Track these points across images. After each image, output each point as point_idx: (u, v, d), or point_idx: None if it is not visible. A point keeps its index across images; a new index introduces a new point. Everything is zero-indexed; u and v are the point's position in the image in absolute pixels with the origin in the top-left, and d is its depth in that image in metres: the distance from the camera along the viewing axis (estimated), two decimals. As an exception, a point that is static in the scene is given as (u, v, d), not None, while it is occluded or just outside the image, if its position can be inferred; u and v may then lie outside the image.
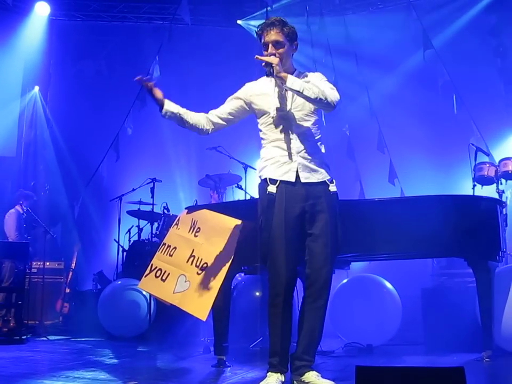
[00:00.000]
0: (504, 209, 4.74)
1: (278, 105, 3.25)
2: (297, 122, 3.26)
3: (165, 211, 6.82)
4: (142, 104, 8.05)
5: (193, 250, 3.97)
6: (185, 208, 4.32)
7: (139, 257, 6.60)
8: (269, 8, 8.23)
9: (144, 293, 5.60)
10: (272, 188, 3.20)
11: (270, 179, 3.22)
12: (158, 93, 3.30)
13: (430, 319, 5.01)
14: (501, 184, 5.64)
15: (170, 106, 3.33)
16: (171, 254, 4.13)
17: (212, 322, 4.07)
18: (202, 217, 4.07)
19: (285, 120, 3.25)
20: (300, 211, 3.20)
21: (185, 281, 3.88)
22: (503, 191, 5.57)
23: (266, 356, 4.27)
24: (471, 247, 4.08)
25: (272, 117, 3.24)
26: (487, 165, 5.70)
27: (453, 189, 6.07)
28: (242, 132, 7.97)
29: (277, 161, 3.24)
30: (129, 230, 7.29)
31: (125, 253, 7.04)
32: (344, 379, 3.48)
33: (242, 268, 4.32)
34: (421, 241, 4.01)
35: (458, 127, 7.14)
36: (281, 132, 3.25)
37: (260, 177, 3.35)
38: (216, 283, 3.79)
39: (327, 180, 3.31)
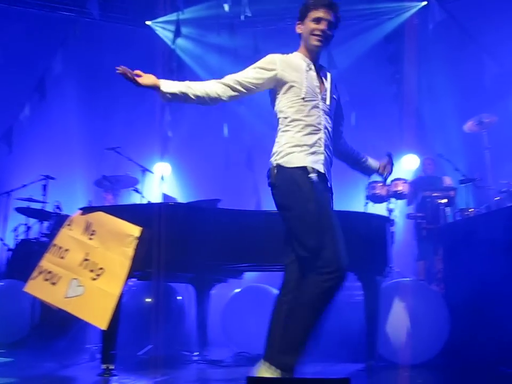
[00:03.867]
0: (392, 227, 4.98)
1: (312, 89, 3.04)
2: (326, 114, 3.08)
3: (57, 210, 6.54)
4: (41, 97, 7.71)
5: (87, 253, 3.85)
6: (79, 209, 4.17)
7: (26, 258, 6.26)
8: (180, 12, 8.20)
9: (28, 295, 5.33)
10: (313, 176, 2.95)
11: (308, 166, 2.96)
12: (147, 79, 2.97)
13: (318, 330, 5.13)
14: (391, 203, 5.93)
15: (168, 87, 2.95)
16: (62, 256, 3.97)
17: (99, 329, 3.92)
18: (98, 219, 3.94)
19: (316, 108, 3.04)
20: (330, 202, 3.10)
21: (78, 286, 3.75)
22: (392, 210, 5.86)
23: (155, 365, 4.22)
24: (361, 262, 4.22)
25: (305, 99, 3.01)
26: (380, 184, 5.97)
27: (346, 206, 6.26)
28: (143, 133, 7.91)
29: (307, 149, 2.99)
30: (16, 228, 6.91)
31: (9, 253, 6.67)
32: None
33: (135, 274, 4.22)
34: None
35: (355, 146, 7.40)
36: (313, 118, 3.02)
37: (280, 164, 3.01)
38: (115, 289, 3.70)
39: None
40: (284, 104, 3.07)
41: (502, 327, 3.98)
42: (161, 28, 8.86)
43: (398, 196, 5.97)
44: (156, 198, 6.46)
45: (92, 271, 3.81)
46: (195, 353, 4.92)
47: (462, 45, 7.44)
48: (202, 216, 4.06)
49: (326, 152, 3.07)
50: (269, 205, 7.19)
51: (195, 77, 8.56)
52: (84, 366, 4.35)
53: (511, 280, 3.90)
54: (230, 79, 3.05)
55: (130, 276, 3.89)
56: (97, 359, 4.29)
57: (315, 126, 3.03)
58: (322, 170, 3.01)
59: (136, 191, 6.05)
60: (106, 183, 6.67)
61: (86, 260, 3.86)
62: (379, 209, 5.76)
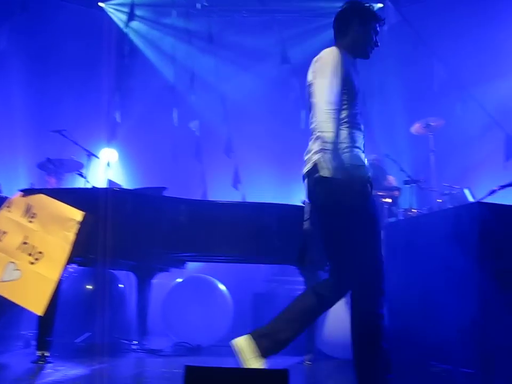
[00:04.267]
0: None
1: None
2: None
3: (-3, 192, 6.34)
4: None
5: (26, 236, 3.74)
6: (20, 190, 4.04)
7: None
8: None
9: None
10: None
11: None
12: None
13: (259, 323, 5.14)
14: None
15: None
16: (0, 239, 3.85)
17: (35, 315, 3.82)
18: (40, 202, 3.84)
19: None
20: None
21: (15, 270, 3.65)
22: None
23: (92, 352, 4.15)
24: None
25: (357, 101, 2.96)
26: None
27: (292, 199, 6.30)
28: (90, 117, 7.73)
29: (360, 149, 2.91)
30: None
31: None
32: (172, 379, 3.46)
33: (75, 259, 4.13)
34: (256, 247, 4.14)
35: (304, 141, 7.47)
36: (360, 118, 2.99)
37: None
38: (54, 275, 3.62)
39: None
40: (346, 102, 2.97)
41: (435, 324, 4.09)
42: (115, 10, 8.67)
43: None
44: (101, 184, 6.34)
45: (30, 254, 3.72)
46: (134, 342, 4.87)
47: (414, 48, 7.60)
48: (147, 204, 4.03)
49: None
50: (215, 195, 7.24)
51: (147, 62, 8.48)
52: (18, 353, 4.24)
53: (447, 280, 4.01)
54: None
55: (70, 261, 3.81)
56: (32, 346, 4.20)
57: (361, 128, 3.02)
58: None
59: (81, 175, 5.91)
60: (50, 166, 6.48)
61: (25, 243, 3.76)
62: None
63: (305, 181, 2.98)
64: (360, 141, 2.94)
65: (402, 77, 7.73)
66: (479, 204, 4.13)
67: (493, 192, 4.73)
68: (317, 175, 2.82)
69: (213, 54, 8.04)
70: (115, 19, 8.63)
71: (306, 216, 2.97)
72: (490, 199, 4.66)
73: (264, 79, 7.96)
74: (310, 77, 3.00)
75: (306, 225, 2.98)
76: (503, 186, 4.70)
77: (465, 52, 6.98)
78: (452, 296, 3.96)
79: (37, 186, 5.55)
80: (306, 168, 2.96)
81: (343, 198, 2.73)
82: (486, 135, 6.87)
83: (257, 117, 7.70)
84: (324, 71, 2.86)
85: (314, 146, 2.92)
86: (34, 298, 3.61)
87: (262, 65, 8.08)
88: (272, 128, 7.67)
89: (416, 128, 6.45)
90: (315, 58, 3.01)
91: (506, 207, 3.87)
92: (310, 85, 2.99)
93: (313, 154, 2.90)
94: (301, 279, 4.49)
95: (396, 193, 6.18)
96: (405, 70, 7.73)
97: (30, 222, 3.83)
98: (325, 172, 2.76)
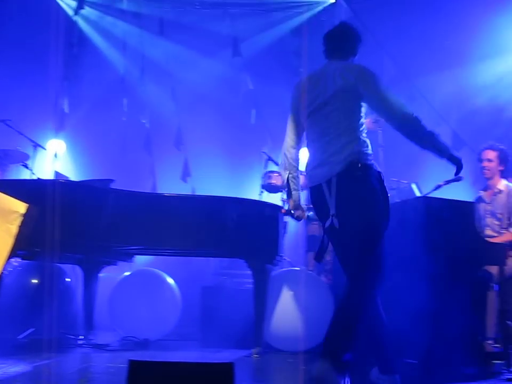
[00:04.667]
0: (284, 217, 5.06)
1: None
2: None
3: None
4: None
5: (-34, 229, 3.62)
6: (-39, 182, 3.92)
7: None
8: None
9: None
10: None
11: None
12: None
13: (207, 316, 5.16)
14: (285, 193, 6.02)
15: None
16: None
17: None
18: (-19, 193, 3.72)
19: None
20: None
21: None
22: (287, 200, 5.95)
23: (36, 348, 4.06)
24: (251, 250, 4.30)
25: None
26: (275, 174, 6.05)
27: (242, 193, 6.31)
28: (37, 107, 7.54)
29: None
30: None
31: None
32: (117, 373, 3.41)
33: (19, 253, 4.03)
34: (205, 240, 4.14)
35: (255, 135, 7.51)
36: None
37: (371, 164, 3.06)
38: (-4, 268, 3.51)
39: None
40: (360, 110, 3.24)
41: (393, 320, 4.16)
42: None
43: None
44: (48, 176, 6.20)
45: (-29, 248, 3.60)
46: (80, 337, 4.79)
47: (364, 44, 7.67)
48: (93, 196, 3.96)
49: None
50: (164, 188, 7.17)
51: (97, 52, 8.31)
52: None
53: (395, 272, 4.09)
54: None
55: (14, 254, 3.72)
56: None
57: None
58: None
59: (26, 166, 5.76)
60: (-7, 157, 6.31)
61: (-35, 236, 3.64)
62: (274, 199, 5.84)
63: (334, 180, 2.99)
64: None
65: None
66: (425, 198, 4.24)
67: (438, 187, 4.84)
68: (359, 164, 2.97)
69: (163, 46, 7.95)
70: (64, 6, 8.42)
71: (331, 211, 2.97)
72: (436, 194, 4.78)
73: (215, 71, 7.92)
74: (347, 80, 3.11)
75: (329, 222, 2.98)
76: (448, 182, 4.81)
77: (412, 46, 7.10)
78: (399, 287, 4.03)
79: (-22, 178, 5.41)
80: (336, 169, 2.99)
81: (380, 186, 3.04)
82: (433, 130, 7.00)
83: (207, 110, 7.66)
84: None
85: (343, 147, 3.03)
86: None
87: (213, 58, 8.04)
88: (222, 122, 7.64)
89: (365, 123, 6.52)
90: (360, 68, 3.17)
91: (450, 201, 3.98)
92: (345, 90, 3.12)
93: (348, 155, 3.00)
94: (249, 272, 4.50)
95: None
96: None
97: (-29, 214, 3.71)
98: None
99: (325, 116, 3.13)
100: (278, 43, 8.44)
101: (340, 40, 3.35)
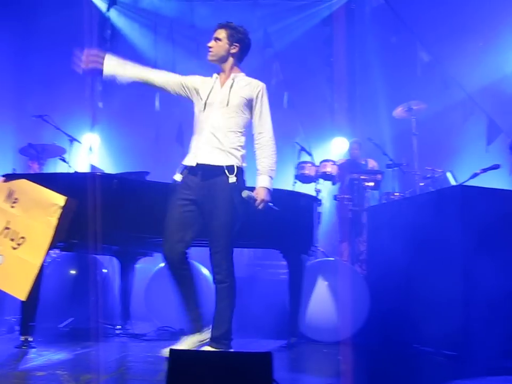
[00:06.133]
0: (319, 207, 5.06)
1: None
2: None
3: (-22, 177, 6.27)
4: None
5: (8, 222, 3.71)
6: (2, 176, 4.01)
7: None
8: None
9: None
10: None
11: None
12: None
13: (242, 307, 5.18)
14: (319, 183, 6.03)
15: (122, 71, 3.64)
16: (-18, 224, 3.82)
17: (18, 300, 3.80)
18: (22, 187, 3.80)
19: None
20: None
21: (-2, 255, 3.63)
22: (320, 190, 5.95)
23: (76, 337, 4.15)
24: (287, 241, 4.30)
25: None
26: (309, 165, 6.05)
27: (275, 184, 6.31)
28: (73, 102, 7.66)
29: None
30: None
31: None
32: (155, 362, 3.47)
33: (58, 244, 4.11)
34: (241, 231, 4.14)
35: (286, 126, 7.49)
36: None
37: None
38: (37, 259, 3.61)
39: None
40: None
41: (417, 308, 4.14)
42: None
43: (326, 177, 6.07)
44: (83, 169, 6.30)
45: (12, 240, 3.70)
46: (117, 327, 4.87)
47: (396, 31, 7.59)
48: (129, 188, 4.01)
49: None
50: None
51: (129, 46, 8.40)
52: (1, 338, 4.22)
53: (430, 262, 4.06)
54: None
55: (53, 246, 3.80)
56: (15, 331, 4.18)
57: None
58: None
59: (63, 160, 5.87)
60: (32, 151, 6.43)
61: (7, 228, 3.74)
62: (307, 189, 5.83)
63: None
64: None
65: (385, 60, 7.74)
66: (461, 187, 4.18)
67: (475, 175, 4.78)
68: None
69: (194, 37, 7.97)
70: (97, 2, 8.52)
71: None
72: (472, 182, 4.71)
73: (246, 62, 7.91)
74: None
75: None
76: (485, 170, 4.75)
77: (446, 33, 6.99)
78: (435, 277, 4.01)
79: (19, 172, 5.53)
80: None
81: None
82: (468, 118, 6.91)
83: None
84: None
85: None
86: (17, 283, 3.60)
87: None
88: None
89: (398, 112, 6.47)
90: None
91: (488, 190, 3.92)
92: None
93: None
94: (283, 263, 4.51)
95: (379, 176, 6.21)
96: (388, 53, 7.74)
97: (12, 207, 3.80)
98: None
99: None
100: (309, 32, 8.40)
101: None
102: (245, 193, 3.40)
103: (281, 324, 4.60)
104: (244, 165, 3.54)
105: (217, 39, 3.56)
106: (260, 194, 3.47)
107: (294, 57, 8.11)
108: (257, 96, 3.55)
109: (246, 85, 3.56)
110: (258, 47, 7.84)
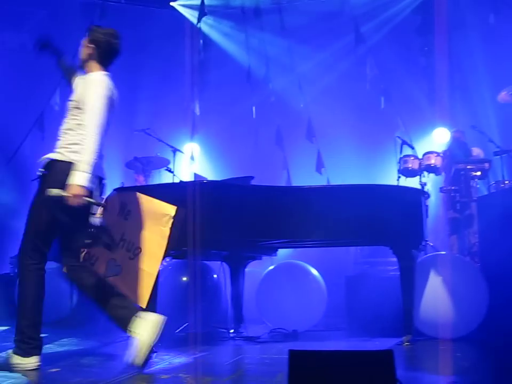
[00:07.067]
0: (426, 201, 4.92)
1: None
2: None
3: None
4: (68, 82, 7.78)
5: (123, 233, 3.89)
6: (114, 190, 4.21)
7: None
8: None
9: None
10: None
11: None
12: None
13: (353, 305, 5.14)
14: (424, 176, 5.86)
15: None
16: (100, 237, 4.02)
17: (136, 307, 3.96)
18: (134, 200, 3.97)
19: None
20: None
21: (116, 266, 3.81)
22: (425, 183, 5.78)
23: (192, 342, 4.27)
24: (397, 236, 4.21)
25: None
26: (412, 158, 5.90)
27: (378, 180, 6.21)
28: (171, 113, 7.93)
29: None
30: (51, 212, 6.99)
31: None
32: (272, 364, 3.50)
33: (170, 252, 4.26)
34: (349, 229, 4.11)
35: (385, 120, 7.36)
36: None
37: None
38: (154, 268, 3.76)
39: None
40: None
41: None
42: (185, 7, 8.82)
43: (431, 169, 5.89)
44: (187, 178, 6.48)
45: (128, 250, 3.86)
46: (231, 330, 4.96)
47: (495, 11, 7.25)
48: (236, 194, 4.07)
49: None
50: (298, 181, 7.23)
51: (222, 54, 8.57)
52: (123, 344, 4.41)
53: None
54: None
55: (166, 254, 3.93)
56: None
57: None
58: None
59: (169, 170, 6.09)
60: (137, 165, 6.72)
61: (123, 239, 3.90)
62: (412, 183, 5.69)
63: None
64: None
65: (484, 44, 7.41)
66: None
67: None
68: None
69: (285, 40, 8.00)
70: (187, 15, 8.77)
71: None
72: None
73: (340, 60, 7.85)
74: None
75: None
76: None
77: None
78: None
79: (126, 185, 5.79)
80: None
81: None
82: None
83: (335, 99, 7.62)
84: None
85: None
86: (136, 291, 3.75)
87: (336, 46, 7.97)
88: (351, 110, 7.56)
89: (502, 96, 6.18)
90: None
91: None
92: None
93: None
94: (392, 259, 4.42)
95: (486, 165, 5.95)
96: (487, 36, 7.40)
97: (126, 219, 3.97)
98: None
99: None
100: (400, 25, 8.21)
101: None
102: (53, 192, 3.26)
103: (394, 321, 4.50)
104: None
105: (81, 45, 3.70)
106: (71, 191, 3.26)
107: (386, 50, 7.94)
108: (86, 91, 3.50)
109: (82, 84, 3.59)
110: (349, 43, 7.79)
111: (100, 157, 3.38)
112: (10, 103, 8.30)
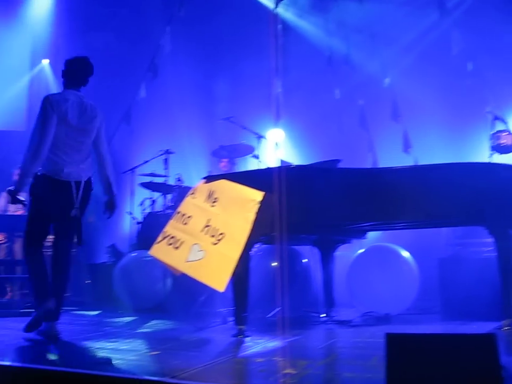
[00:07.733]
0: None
1: None
2: None
3: (179, 182, 6.80)
4: (153, 75, 8.03)
5: (209, 220, 3.97)
6: (203, 178, 4.30)
7: (153, 229, 6.56)
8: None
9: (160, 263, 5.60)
10: None
11: None
12: None
13: (447, 288, 4.99)
14: (519, 152, 5.58)
15: None
16: (186, 222, 4.13)
17: (228, 293, 4.04)
18: (221, 187, 4.05)
19: None
20: None
21: (199, 251, 3.89)
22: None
23: (284, 326, 4.31)
24: (493, 216, 4.04)
25: None
26: (505, 133, 5.62)
27: (468, 158, 5.97)
28: (255, 101, 7.96)
29: None
30: (142, 203, 7.25)
31: (138, 225, 7.03)
32: (366, 348, 3.48)
33: (260, 238, 4.29)
34: (443, 210, 3.99)
35: (474, 96, 7.04)
36: None
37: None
38: (235, 254, 3.79)
39: None
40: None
41: None
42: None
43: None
44: (273, 164, 6.50)
45: (212, 236, 3.93)
46: (322, 315, 4.96)
47: None
48: (323, 177, 4.05)
49: None
50: (385, 162, 7.08)
51: (302, 38, 8.49)
52: (217, 328, 4.53)
53: None
54: None
55: (256, 240, 3.97)
56: (228, 322, 4.45)
57: None
58: None
59: (256, 157, 6.15)
60: (223, 153, 6.83)
61: (208, 225, 3.98)
62: (506, 159, 5.43)
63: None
64: None
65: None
66: None
67: None
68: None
69: (366, 19, 7.82)
70: (264, 1, 8.75)
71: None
72: None
73: (424, 35, 7.57)
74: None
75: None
76: None
77: None
78: None
79: (213, 173, 5.89)
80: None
81: None
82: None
83: (420, 76, 7.35)
84: None
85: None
86: (216, 276, 3.81)
87: (419, 23, 7.69)
88: (438, 86, 7.28)
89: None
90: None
91: None
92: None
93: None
94: (486, 240, 4.24)
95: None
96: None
97: (213, 206, 4.06)
98: None
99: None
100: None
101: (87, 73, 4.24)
102: None
103: (491, 304, 4.33)
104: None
105: None
106: None
107: (473, 22, 7.58)
108: None
109: None
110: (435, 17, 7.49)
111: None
112: (98, 100, 8.62)
